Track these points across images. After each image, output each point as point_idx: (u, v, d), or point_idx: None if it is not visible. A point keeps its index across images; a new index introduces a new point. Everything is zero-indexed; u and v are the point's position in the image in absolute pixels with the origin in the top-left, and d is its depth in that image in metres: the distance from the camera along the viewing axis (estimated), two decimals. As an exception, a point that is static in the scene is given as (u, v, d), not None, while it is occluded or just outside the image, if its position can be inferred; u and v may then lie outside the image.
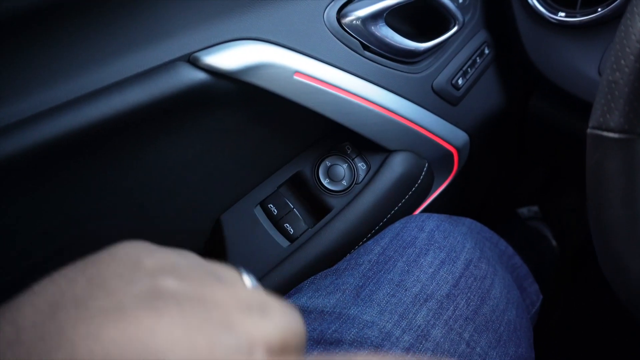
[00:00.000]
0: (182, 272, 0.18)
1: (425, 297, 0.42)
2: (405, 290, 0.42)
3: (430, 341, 0.40)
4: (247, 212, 0.49)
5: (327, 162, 0.50)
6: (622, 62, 0.27)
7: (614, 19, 0.48)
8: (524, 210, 0.92)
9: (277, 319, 0.18)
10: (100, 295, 0.16)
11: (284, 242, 0.49)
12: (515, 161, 0.84)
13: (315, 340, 0.40)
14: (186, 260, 0.20)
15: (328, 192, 0.50)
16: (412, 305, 0.41)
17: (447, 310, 0.41)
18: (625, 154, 0.28)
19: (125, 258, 0.19)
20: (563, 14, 0.51)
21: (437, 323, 0.40)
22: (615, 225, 0.29)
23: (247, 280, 0.21)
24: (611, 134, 0.28)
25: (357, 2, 0.44)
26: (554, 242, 0.89)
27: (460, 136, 0.57)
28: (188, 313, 0.17)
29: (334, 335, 0.39)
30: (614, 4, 0.47)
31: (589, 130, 0.29)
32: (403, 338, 0.39)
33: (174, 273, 0.18)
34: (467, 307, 0.43)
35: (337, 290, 0.43)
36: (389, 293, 0.42)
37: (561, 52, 0.52)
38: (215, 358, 0.16)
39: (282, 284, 0.48)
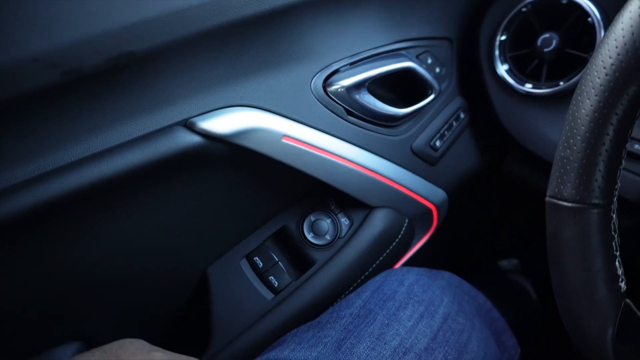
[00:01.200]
0: None
1: (404, 350, 0.43)
2: (385, 343, 0.43)
3: (408, 395, 0.40)
4: (233, 265, 0.50)
5: (312, 217, 0.53)
6: (571, 141, 0.30)
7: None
8: (504, 263, 0.94)
9: None
10: None
11: (268, 295, 0.51)
12: (493, 216, 0.87)
13: (296, 394, 0.40)
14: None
15: (312, 246, 0.52)
16: (391, 358, 0.42)
17: (425, 364, 0.43)
18: (579, 221, 0.31)
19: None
20: (530, 86, 0.56)
21: (415, 377, 0.41)
22: (573, 287, 0.32)
23: None
24: (566, 203, 0.31)
25: (342, 72, 0.48)
26: (534, 295, 0.91)
27: (438, 194, 0.60)
28: None
29: (315, 388, 0.40)
30: (573, 79, 0.52)
31: (547, 199, 0.33)
32: (382, 392, 0.40)
33: None
34: (445, 361, 0.44)
35: (318, 343, 0.43)
36: (369, 346, 0.43)
37: (530, 119, 0.57)
38: None
39: (265, 336, 0.49)
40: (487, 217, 0.86)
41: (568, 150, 0.30)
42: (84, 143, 0.34)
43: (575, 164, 0.30)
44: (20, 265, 0.35)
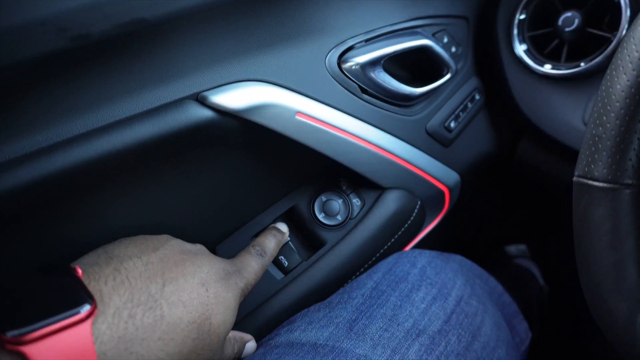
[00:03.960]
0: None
1: (417, 332, 0.42)
2: (398, 325, 0.42)
3: (422, 377, 0.40)
4: (243, 244, 0.49)
5: (323, 197, 0.52)
6: (604, 118, 0.29)
7: (596, 73, 0.51)
8: (512, 249, 0.93)
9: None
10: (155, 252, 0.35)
11: (278, 275, 0.50)
12: (503, 200, 0.86)
13: (309, 374, 0.40)
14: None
15: (323, 226, 0.51)
16: (404, 340, 0.41)
17: (438, 346, 0.42)
18: (610, 201, 0.30)
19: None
20: (549, 66, 0.54)
21: (429, 358, 0.41)
22: (602, 270, 0.31)
23: None
24: (596, 183, 0.30)
25: (357, 49, 0.46)
26: (541, 281, 0.90)
27: (451, 176, 0.59)
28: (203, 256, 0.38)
29: (327, 369, 0.40)
30: (595, 60, 0.51)
31: (575, 178, 0.31)
32: (395, 373, 0.40)
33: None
34: (459, 343, 0.43)
35: (330, 323, 0.43)
36: (381, 327, 0.42)
37: (547, 101, 0.55)
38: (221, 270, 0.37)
39: (275, 315, 0.48)
40: (498, 201, 0.85)
41: (600, 128, 0.29)
42: (93, 114, 0.33)
43: (608, 142, 0.29)
44: (26, 242, 0.34)
